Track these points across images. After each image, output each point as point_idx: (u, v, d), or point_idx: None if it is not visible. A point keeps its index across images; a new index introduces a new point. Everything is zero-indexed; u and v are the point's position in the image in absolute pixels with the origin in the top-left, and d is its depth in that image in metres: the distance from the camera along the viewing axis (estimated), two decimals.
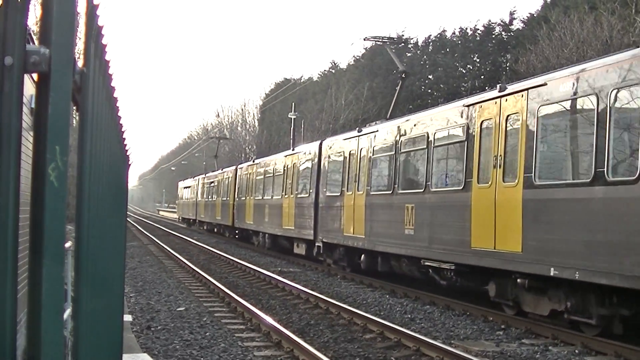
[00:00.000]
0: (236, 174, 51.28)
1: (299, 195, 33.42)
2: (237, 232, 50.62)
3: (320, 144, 31.48)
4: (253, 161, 46.67)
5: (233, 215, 50.72)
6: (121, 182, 5.83)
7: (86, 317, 2.86)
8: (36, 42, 2.15)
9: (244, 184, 47.77)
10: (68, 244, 6.20)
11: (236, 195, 49.84)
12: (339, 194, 28.04)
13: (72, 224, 3.86)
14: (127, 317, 15.70)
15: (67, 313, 7.23)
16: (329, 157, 30.05)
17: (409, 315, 18.10)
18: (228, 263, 32.61)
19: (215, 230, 60.66)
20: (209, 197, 63.34)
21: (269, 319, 15.97)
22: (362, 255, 25.79)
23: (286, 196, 35.56)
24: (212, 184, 62.41)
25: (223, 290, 21.14)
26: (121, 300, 7.08)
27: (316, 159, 31.52)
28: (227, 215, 52.91)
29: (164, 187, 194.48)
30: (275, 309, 19.02)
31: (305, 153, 33.86)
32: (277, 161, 39.26)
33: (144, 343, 14.12)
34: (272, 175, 39.65)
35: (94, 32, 2.54)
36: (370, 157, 25.25)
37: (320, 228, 29.97)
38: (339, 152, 28.66)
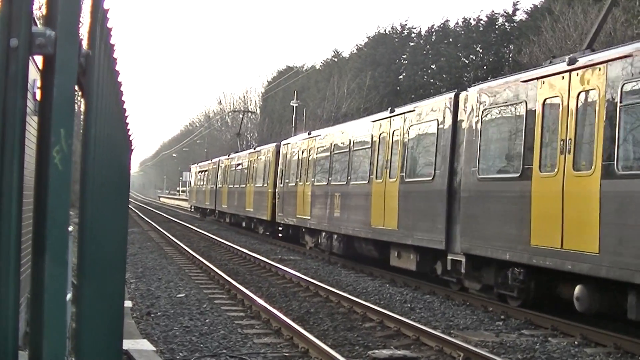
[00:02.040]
0: (278, 153, 39.52)
1: (408, 179, 21.93)
2: (279, 229, 38.89)
3: (457, 97, 19.70)
4: (309, 133, 34.65)
5: (273, 207, 39.13)
6: (124, 168, 5.82)
7: (88, 302, 2.86)
8: (39, 24, 2.14)
9: (293, 165, 35.61)
10: (70, 229, 6.19)
11: (281, 181, 37.55)
12: (517, 174, 16.46)
13: (74, 209, 3.83)
14: (127, 303, 15.73)
15: (68, 297, 7.24)
16: (484, 114, 18.16)
17: (409, 305, 18.11)
18: (228, 250, 32.62)
19: (244, 224, 48.38)
20: (235, 183, 50.99)
21: (269, 307, 15.99)
22: (577, 288, 14.90)
23: (379, 180, 24.01)
24: (240, 167, 50.08)
25: (223, 278, 21.15)
26: (122, 286, 7.10)
27: (447, 122, 19.91)
28: (264, 207, 41.28)
29: (165, 173, 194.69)
30: (275, 296, 19.03)
31: (416, 113, 22.11)
32: (359, 129, 27.18)
33: (144, 329, 14.13)
34: (347, 150, 27.58)
35: (100, 15, 2.53)
36: (614, 105, 13.81)
37: (462, 231, 18.59)
38: (510, 105, 17.19)
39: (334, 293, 18.70)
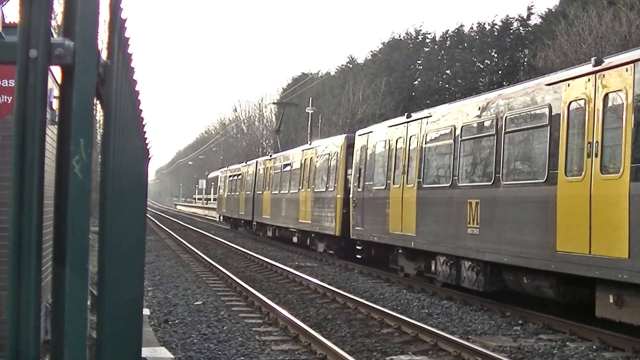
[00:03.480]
0: (350, 147, 30.26)
1: None
2: (358, 248, 28.41)
3: None
4: (408, 116, 23.96)
5: (344, 219, 29.89)
6: (141, 176, 5.84)
7: (107, 310, 2.87)
8: (54, 35, 2.16)
9: (380, 161, 26.11)
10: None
11: (358, 184, 28.06)
12: None
13: (92, 217, 3.85)
14: (145, 311, 15.77)
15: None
16: None
17: (427, 310, 18.08)
18: (245, 257, 32.65)
19: (297, 240, 37.99)
20: (283, 188, 41.23)
21: (286, 313, 15.99)
22: None
23: (574, 177, 15.09)
24: (289, 168, 40.44)
25: (240, 285, 21.17)
26: (141, 294, 7.13)
27: None
28: (329, 218, 31.60)
29: (181, 181, 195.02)
30: (293, 303, 19.04)
31: None
32: (518, 100, 17.83)
33: (162, 337, 14.18)
34: (493, 133, 18.53)
35: (118, 25, 2.55)
36: None
37: None
38: None
39: (351, 299, 18.69)
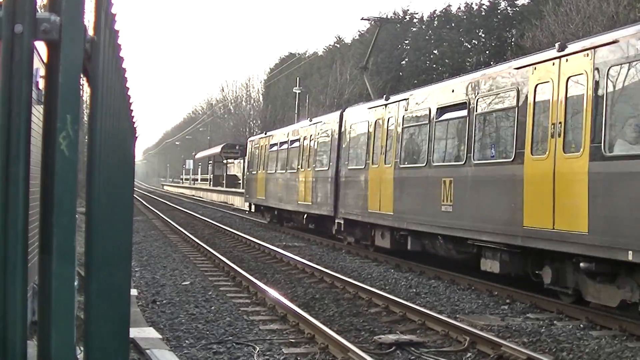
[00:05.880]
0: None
1: None
2: None
3: None
4: None
5: None
6: (128, 155, 5.80)
7: (96, 291, 2.84)
8: (39, 10, 2.12)
9: None
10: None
11: None
12: None
13: (79, 198, 3.80)
14: (133, 291, 15.74)
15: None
16: None
17: (414, 290, 18.11)
18: (233, 237, 32.60)
19: (508, 266, 16.86)
20: (446, 157, 19.76)
21: (274, 293, 15.99)
22: None
23: None
24: (463, 114, 18.44)
25: (228, 265, 21.15)
26: (129, 275, 7.10)
27: None
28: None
29: (168, 162, 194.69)
30: (281, 283, 19.04)
31: None
32: None
33: (150, 317, 14.15)
34: None
35: (104, 1, 2.51)
36: None
37: None
38: None
39: (339, 279, 18.69)
